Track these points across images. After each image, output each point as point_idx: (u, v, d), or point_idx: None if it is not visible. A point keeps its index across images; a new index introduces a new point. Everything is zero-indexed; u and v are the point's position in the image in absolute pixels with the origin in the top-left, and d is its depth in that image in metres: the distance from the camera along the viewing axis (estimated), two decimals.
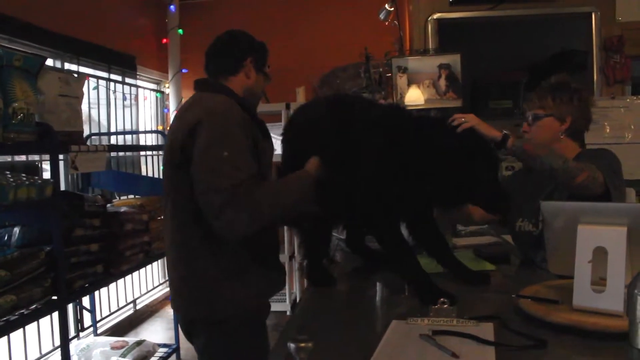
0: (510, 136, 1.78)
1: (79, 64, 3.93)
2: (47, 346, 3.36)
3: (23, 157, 3.28)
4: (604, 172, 1.77)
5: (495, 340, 1.19)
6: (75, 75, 2.86)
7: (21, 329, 2.79)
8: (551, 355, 1.18)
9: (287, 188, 1.77)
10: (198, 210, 1.65)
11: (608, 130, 3.53)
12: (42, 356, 3.32)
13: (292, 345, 1.04)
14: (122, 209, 3.10)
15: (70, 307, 3.67)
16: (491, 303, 1.51)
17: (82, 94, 2.85)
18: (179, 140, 1.70)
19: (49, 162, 2.50)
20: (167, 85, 5.20)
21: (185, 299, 1.79)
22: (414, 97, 3.63)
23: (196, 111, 1.71)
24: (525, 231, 2.05)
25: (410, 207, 1.66)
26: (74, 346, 3.30)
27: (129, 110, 4.72)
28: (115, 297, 4.35)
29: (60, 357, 2.44)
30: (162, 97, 5.34)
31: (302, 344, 1.04)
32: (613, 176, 1.81)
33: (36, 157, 3.24)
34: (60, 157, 3.10)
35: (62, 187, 3.59)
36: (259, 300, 1.80)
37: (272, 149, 1.94)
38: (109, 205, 3.12)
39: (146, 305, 4.81)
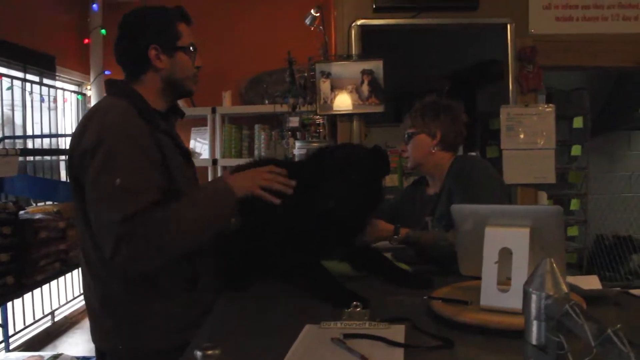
0: (400, 229, 2.00)
1: None
2: None
3: None
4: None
5: (406, 341, 1.21)
6: None
7: None
8: (458, 354, 1.21)
9: (199, 208, 1.53)
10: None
11: (522, 136, 3.71)
12: None
13: (198, 353, 1.01)
14: (37, 216, 2.96)
15: None
16: (404, 305, 1.53)
17: None
18: (74, 167, 1.56)
19: None
20: (89, 87, 5.01)
21: (97, 330, 1.63)
22: (342, 102, 3.68)
23: (90, 131, 1.52)
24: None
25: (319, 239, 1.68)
26: None
27: (48, 112, 4.51)
28: (32, 310, 4.13)
29: None
30: (84, 99, 5.14)
31: (209, 352, 1.01)
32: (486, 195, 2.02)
33: None
34: None
35: None
36: (190, 332, 1.39)
37: (188, 164, 1.73)
38: (22, 212, 2.97)
39: (65, 317, 4.59)
